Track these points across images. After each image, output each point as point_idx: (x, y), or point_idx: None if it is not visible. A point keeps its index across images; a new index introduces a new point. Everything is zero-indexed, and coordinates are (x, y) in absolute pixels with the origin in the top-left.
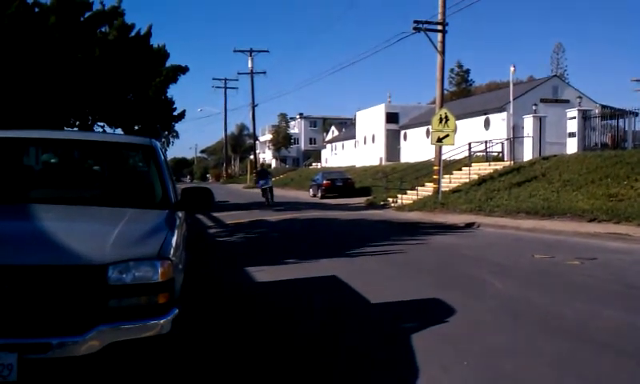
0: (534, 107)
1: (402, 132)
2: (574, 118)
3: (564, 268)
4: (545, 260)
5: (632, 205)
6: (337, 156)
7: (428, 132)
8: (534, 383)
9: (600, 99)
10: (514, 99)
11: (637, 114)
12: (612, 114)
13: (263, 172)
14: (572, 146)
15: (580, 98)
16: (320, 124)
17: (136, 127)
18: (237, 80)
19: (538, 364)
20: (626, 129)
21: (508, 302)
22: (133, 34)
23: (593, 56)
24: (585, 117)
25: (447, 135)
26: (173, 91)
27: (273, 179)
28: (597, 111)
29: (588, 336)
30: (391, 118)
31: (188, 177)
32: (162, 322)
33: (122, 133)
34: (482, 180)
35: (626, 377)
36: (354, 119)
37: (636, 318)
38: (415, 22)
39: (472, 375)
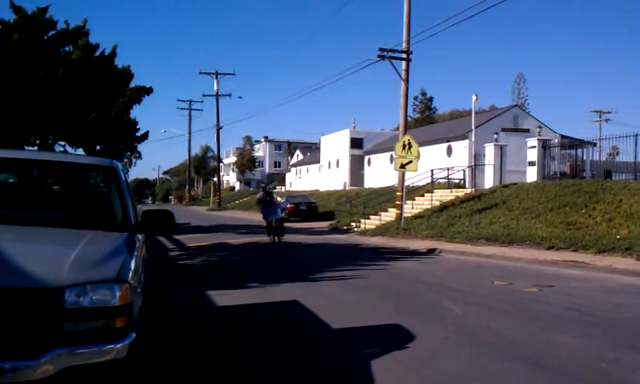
0: (495, 136)
1: (366, 157)
2: (534, 147)
3: (522, 295)
4: (504, 287)
5: (589, 233)
6: (301, 180)
7: (391, 158)
8: None
9: (559, 129)
10: (475, 127)
11: (594, 144)
12: (571, 143)
13: (268, 196)
14: (532, 175)
15: (540, 127)
16: (285, 147)
17: (98, 147)
18: (202, 102)
19: None
20: (584, 158)
21: (467, 328)
22: (97, 53)
23: (553, 86)
24: (544, 146)
25: (410, 161)
26: (136, 112)
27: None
28: (556, 141)
29: (544, 362)
30: (355, 143)
31: (150, 198)
32: (118, 346)
33: (82, 153)
34: (444, 206)
35: None
36: (319, 144)
37: (591, 345)
38: (380, 49)
39: None
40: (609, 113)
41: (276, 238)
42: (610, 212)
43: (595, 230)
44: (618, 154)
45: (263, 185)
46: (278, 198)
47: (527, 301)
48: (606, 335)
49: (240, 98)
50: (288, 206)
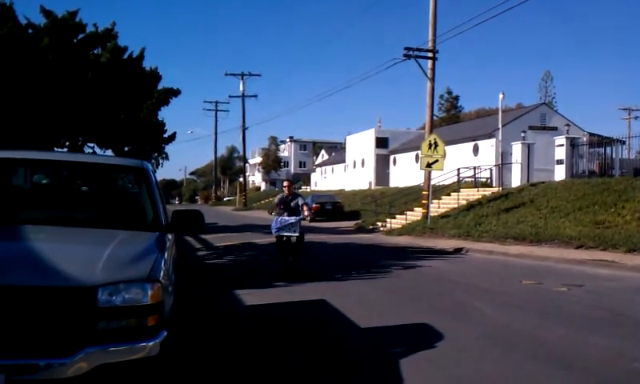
0: (522, 134)
1: (392, 157)
2: (562, 145)
3: (551, 294)
4: (532, 286)
5: (619, 232)
6: (326, 179)
7: (417, 157)
8: None
9: (588, 127)
10: (502, 126)
11: (624, 142)
12: (599, 141)
13: (292, 198)
14: (560, 173)
15: (568, 125)
16: (310, 147)
17: (126, 149)
18: (228, 103)
19: None
20: (614, 156)
21: (496, 328)
22: (125, 56)
23: (581, 84)
24: (573, 144)
25: (436, 160)
26: (164, 113)
27: (261, 203)
28: (584, 139)
29: (574, 363)
30: (381, 142)
31: (177, 198)
32: (150, 344)
33: (111, 154)
34: (471, 205)
35: None
36: (344, 143)
37: (622, 345)
38: (406, 48)
39: None
40: (638, 110)
41: (285, 261)
42: None
43: (625, 228)
44: None
45: (287, 181)
46: (305, 207)
47: (556, 300)
48: (636, 335)
49: (255, 96)
50: (313, 205)
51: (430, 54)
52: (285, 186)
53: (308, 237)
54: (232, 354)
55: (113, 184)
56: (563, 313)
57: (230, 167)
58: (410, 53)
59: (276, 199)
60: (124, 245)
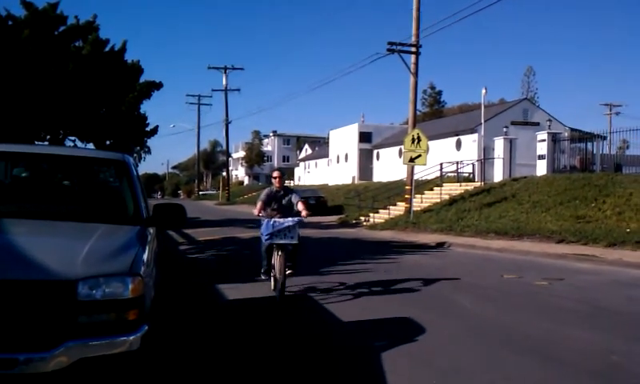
0: (504, 129)
1: (375, 151)
2: (544, 140)
3: (532, 288)
4: (514, 280)
5: (599, 226)
6: (310, 174)
7: (400, 152)
8: None
9: (569, 122)
10: (485, 121)
11: (605, 138)
12: (581, 137)
13: (284, 193)
14: (541, 168)
15: (550, 121)
16: (293, 142)
17: (107, 142)
18: (210, 96)
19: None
20: (595, 152)
21: (478, 322)
22: (107, 49)
23: (563, 79)
24: (554, 140)
25: (419, 155)
26: (146, 107)
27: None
28: (566, 134)
29: (556, 356)
30: (364, 137)
31: (159, 193)
32: (131, 338)
33: (93, 147)
34: (453, 200)
35: None
36: (328, 138)
37: (601, 338)
38: (389, 43)
39: None
40: (619, 106)
41: (275, 281)
42: (620, 205)
43: (605, 223)
44: (628, 147)
45: (278, 172)
46: (302, 205)
47: (537, 294)
48: (616, 328)
49: (238, 90)
50: None
51: (413, 49)
52: (275, 178)
53: None
54: (213, 348)
55: (94, 177)
56: (544, 306)
57: (212, 161)
58: (394, 47)
59: (262, 195)
60: (105, 238)
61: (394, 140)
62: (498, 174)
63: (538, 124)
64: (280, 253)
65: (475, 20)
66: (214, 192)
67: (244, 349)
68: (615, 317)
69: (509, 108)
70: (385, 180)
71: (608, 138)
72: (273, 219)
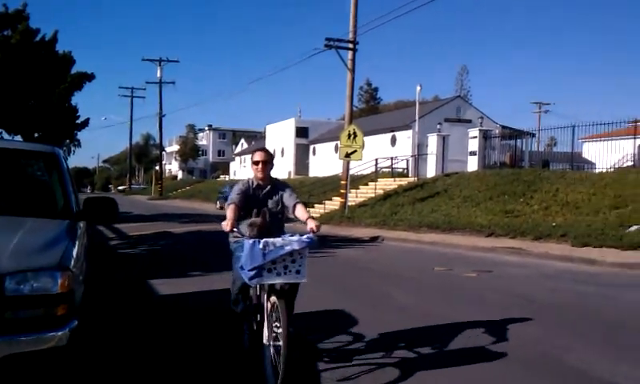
0: (438, 126)
1: (312, 146)
2: (475, 137)
3: (462, 280)
4: (444, 272)
5: (527, 221)
6: (246, 168)
7: (337, 147)
8: None
9: (501, 120)
10: (419, 118)
11: (533, 135)
12: (511, 134)
13: (272, 188)
14: (473, 164)
15: (481, 118)
16: (229, 136)
17: (36, 135)
18: (144, 89)
19: (437, 374)
20: (523, 148)
21: (410, 314)
22: (37, 39)
23: (495, 79)
24: (485, 136)
25: (355, 151)
26: (77, 99)
27: (177, 192)
28: (497, 131)
29: (484, 345)
30: (301, 132)
31: (88, 187)
32: (59, 334)
33: (20, 140)
34: (388, 195)
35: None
36: (264, 132)
37: (526, 327)
38: (327, 39)
39: None
40: (548, 104)
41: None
42: (547, 200)
43: (532, 217)
44: (555, 144)
45: (262, 153)
46: (299, 208)
47: (466, 286)
48: (541, 318)
49: (173, 83)
50: None
51: (350, 45)
52: (257, 163)
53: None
54: (144, 343)
55: (22, 170)
56: (473, 298)
57: (145, 155)
58: (331, 43)
59: (233, 193)
60: (33, 232)
61: (331, 135)
62: (431, 170)
63: (470, 121)
64: (276, 300)
65: (411, 18)
66: (145, 186)
67: (173, 344)
68: (540, 307)
69: (442, 105)
70: (321, 175)
71: (537, 136)
72: (263, 241)
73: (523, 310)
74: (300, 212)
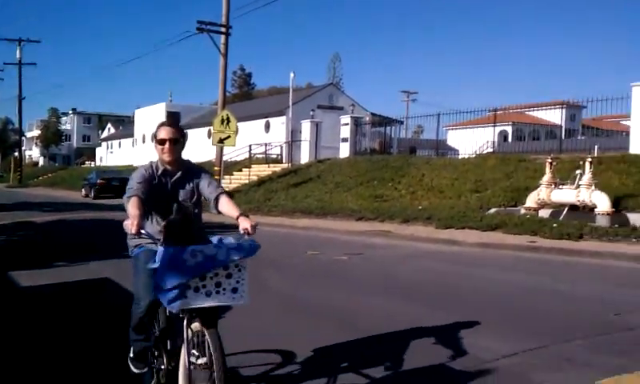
0: (311, 113)
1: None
2: (347, 124)
3: (333, 263)
4: (317, 256)
5: (395, 205)
6: (113, 154)
7: (210, 133)
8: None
9: (373, 108)
10: (293, 104)
11: (402, 123)
12: (380, 121)
13: (180, 172)
14: (345, 151)
15: (353, 105)
16: (95, 121)
17: None
18: (2, 71)
19: (306, 349)
20: (393, 136)
21: (285, 297)
22: None
23: (367, 67)
24: (356, 123)
25: (229, 136)
26: None
27: (39, 179)
28: (367, 119)
29: (356, 324)
30: (173, 117)
31: None
32: None
33: None
34: (262, 181)
35: (372, 354)
36: (133, 117)
37: (390, 304)
38: (199, 22)
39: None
40: (415, 93)
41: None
42: (414, 185)
43: (400, 201)
44: (422, 131)
45: (169, 129)
46: (223, 199)
47: (337, 268)
48: (410, 296)
49: (34, 64)
50: (99, 181)
51: (223, 29)
52: (163, 141)
53: (92, 215)
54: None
55: None
56: (344, 279)
57: (3, 140)
58: (203, 26)
59: (132, 183)
60: None
61: (203, 121)
62: (304, 156)
63: (342, 108)
64: (201, 327)
65: (285, 4)
66: (3, 174)
67: (36, 336)
68: (406, 285)
69: (316, 92)
70: (194, 161)
71: (405, 123)
72: (190, 249)
73: (390, 289)
74: (227, 206)
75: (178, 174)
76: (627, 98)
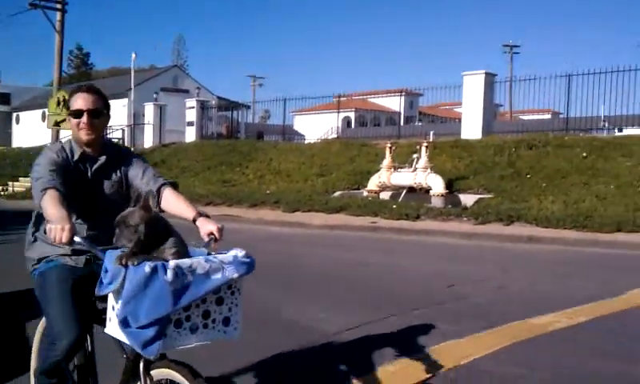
0: (155, 95)
1: (15, 114)
2: (193, 107)
3: None
4: None
5: (243, 189)
6: None
7: (44, 115)
8: None
9: (220, 92)
10: (135, 86)
11: (249, 107)
12: (227, 106)
13: (105, 156)
14: (191, 135)
15: (199, 89)
16: None
17: None
18: None
19: None
20: (240, 120)
21: None
22: None
23: (213, 51)
24: (203, 107)
25: (65, 119)
26: None
27: None
28: (214, 102)
29: None
30: (2, 98)
31: None
32: None
33: None
34: None
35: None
36: None
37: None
38: None
39: None
40: (262, 78)
41: None
42: (262, 170)
43: (248, 186)
44: (269, 117)
45: (87, 99)
46: (170, 195)
47: None
48: (267, 279)
49: None
50: None
51: (58, 6)
52: (79, 113)
53: None
54: None
55: None
56: None
57: None
58: (37, 2)
59: (42, 171)
60: None
61: (37, 102)
62: (148, 140)
63: (187, 91)
64: (171, 371)
65: None
66: None
67: None
68: (259, 268)
69: (159, 74)
70: (26, 145)
71: (252, 108)
72: (174, 264)
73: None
74: (174, 204)
75: (102, 159)
76: (459, 86)
